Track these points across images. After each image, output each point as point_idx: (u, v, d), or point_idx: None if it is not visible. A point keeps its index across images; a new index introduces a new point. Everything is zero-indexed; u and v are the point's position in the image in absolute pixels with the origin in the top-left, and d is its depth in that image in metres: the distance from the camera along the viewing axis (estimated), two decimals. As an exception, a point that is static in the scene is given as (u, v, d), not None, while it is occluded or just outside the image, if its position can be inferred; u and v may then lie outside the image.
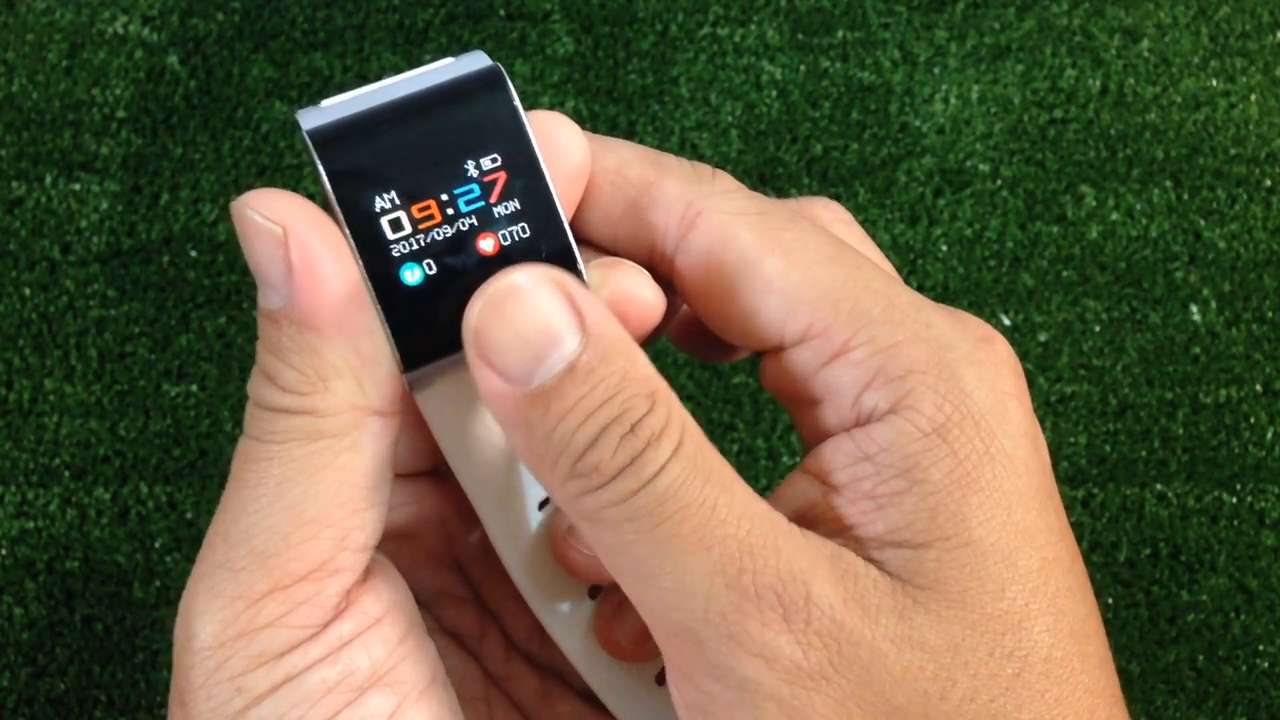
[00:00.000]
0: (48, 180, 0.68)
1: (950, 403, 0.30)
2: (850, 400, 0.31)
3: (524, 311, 0.28)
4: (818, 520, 0.31)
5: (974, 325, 0.32)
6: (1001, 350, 0.31)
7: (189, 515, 0.63)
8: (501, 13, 0.72)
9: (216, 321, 0.66)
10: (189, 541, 0.62)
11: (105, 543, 0.62)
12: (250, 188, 0.67)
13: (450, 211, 0.30)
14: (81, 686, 0.60)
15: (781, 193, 0.68)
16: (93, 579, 0.62)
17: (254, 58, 0.71)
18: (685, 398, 0.65)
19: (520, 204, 0.30)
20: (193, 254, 0.67)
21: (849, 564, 0.29)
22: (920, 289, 0.66)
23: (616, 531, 0.28)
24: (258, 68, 0.70)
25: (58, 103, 0.70)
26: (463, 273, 0.30)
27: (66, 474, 0.63)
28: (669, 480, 0.28)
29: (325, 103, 0.30)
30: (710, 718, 0.29)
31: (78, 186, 0.68)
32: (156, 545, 0.62)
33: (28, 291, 0.66)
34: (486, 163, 0.30)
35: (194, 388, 0.65)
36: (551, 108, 0.69)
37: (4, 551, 0.62)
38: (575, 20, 0.72)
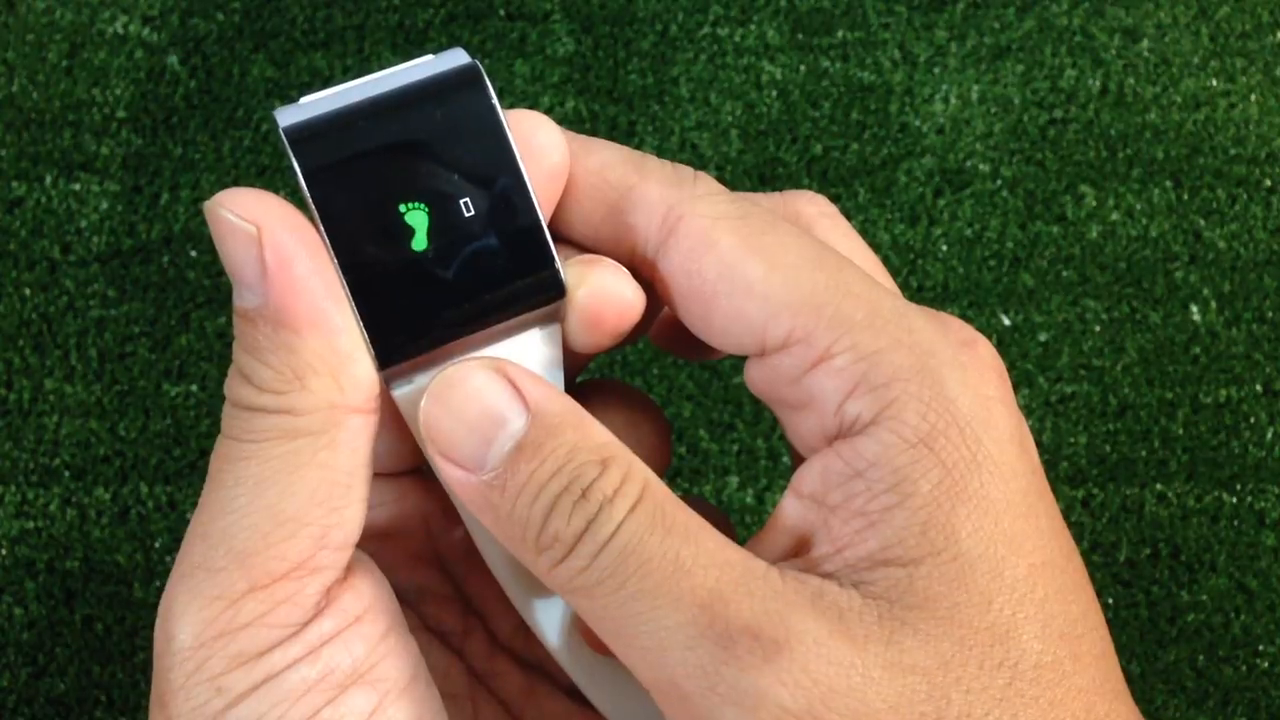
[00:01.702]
0: (48, 180, 0.68)
1: (934, 411, 0.29)
2: (833, 408, 0.30)
3: (465, 399, 0.29)
4: (814, 543, 0.30)
5: (956, 328, 0.31)
6: (985, 353, 0.31)
7: (189, 515, 0.63)
8: (501, 13, 0.72)
9: (216, 321, 0.66)
10: (188, 541, 0.62)
11: (105, 543, 0.62)
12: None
13: (427, 209, 0.30)
14: (81, 686, 0.61)
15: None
16: (93, 579, 0.62)
17: (254, 58, 0.71)
18: (685, 398, 0.65)
19: (497, 202, 0.30)
20: (193, 254, 0.67)
21: (833, 599, 0.29)
22: (920, 289, 0.66)
23: (590, 597, 0.29)
24: (258, 68, 0.71)
25: (58, 103, 0.70)
26: (438, 269, 0.30)
27: (66, 474, 0.63)
28: (626, 537, 0.28)
29: (304, 100, 0.30)
30: None
31: (78, 186, 0.68)
32: (156, 545, 0.62)
33: (28, 291, 0.66)
34: (464, 160, 0.30)
35: (194, 388, 0.65)
36: (551, 108, 0.69)
37: (4, 551, 0.62)
38: (575, 20, 0.72)
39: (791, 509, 0.31)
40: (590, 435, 0.29)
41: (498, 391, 0.29)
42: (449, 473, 0.29)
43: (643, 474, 0.29)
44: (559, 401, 0.29)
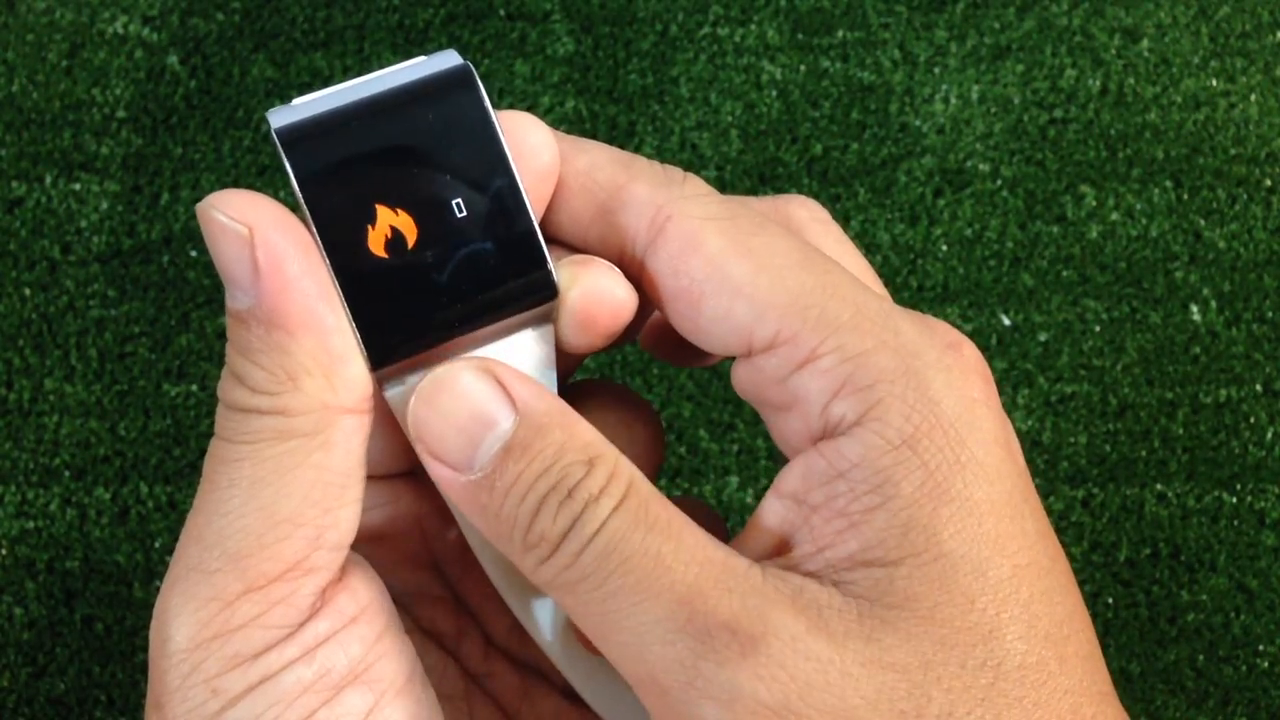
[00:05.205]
0: (48, 180, 0.68)
1: (919, 412, 0.30)
2: (818, 409, 0.31)
3: (453, 400, 0.30)
4: (795, 543, 0.31)
5: (942, 331, 0.31)
6: (970, 356, 0.31)
7: (189, 515, 0.63)
8: (501, 13, 0.72)
9: (216, 321, 0.66)
10: (188, 541, 0.62)
11: (105, 543, 0.62)
12: (250, 188, 0.67)
13: (419, 210, 0.30)
14: (81, 686, 0.61)
15: (781, 193, 0.68)
16: (93, 579, 0.62)
17: (254, 58, 0.71)
18: (685, 398, 0.65)
19: (490, 203, 0.30)
20: (193, 254, 0.67)
21: (812, 596, 0.29)
22: (920, 289, 0.66)
23: (574, 594, 0.29)
24: (258, 68, 0.71)
25: (58, 103, 0.70)
26: (431, 270, 0.30)
27: (66, 474, 0.63)
28: (609, 536, 0.28)
29: (296, 101, 0.30)
30: None
31: (78, 186, 0.68)
32: (156, 545, 0.62)
33: (28, 291, 0.66)
34: (456, 162, 0.30)
35: (194, 388, 0.65)
36: (551, 108, 0.69)
37: (4, 551, 0.62)
38: (575, 20, 0.72)
39: (773, 509, 0.31)
40: (577, 435, 0.29)
41: (486, 392, 0.29)
42: (438, 472, 0.30)
43: (628, 472, 0.29)
44: (547, 401, 0.29)
